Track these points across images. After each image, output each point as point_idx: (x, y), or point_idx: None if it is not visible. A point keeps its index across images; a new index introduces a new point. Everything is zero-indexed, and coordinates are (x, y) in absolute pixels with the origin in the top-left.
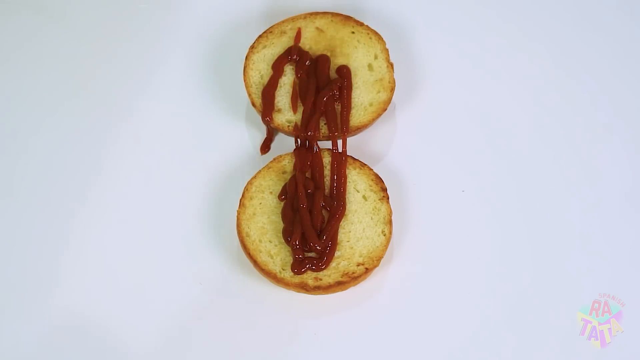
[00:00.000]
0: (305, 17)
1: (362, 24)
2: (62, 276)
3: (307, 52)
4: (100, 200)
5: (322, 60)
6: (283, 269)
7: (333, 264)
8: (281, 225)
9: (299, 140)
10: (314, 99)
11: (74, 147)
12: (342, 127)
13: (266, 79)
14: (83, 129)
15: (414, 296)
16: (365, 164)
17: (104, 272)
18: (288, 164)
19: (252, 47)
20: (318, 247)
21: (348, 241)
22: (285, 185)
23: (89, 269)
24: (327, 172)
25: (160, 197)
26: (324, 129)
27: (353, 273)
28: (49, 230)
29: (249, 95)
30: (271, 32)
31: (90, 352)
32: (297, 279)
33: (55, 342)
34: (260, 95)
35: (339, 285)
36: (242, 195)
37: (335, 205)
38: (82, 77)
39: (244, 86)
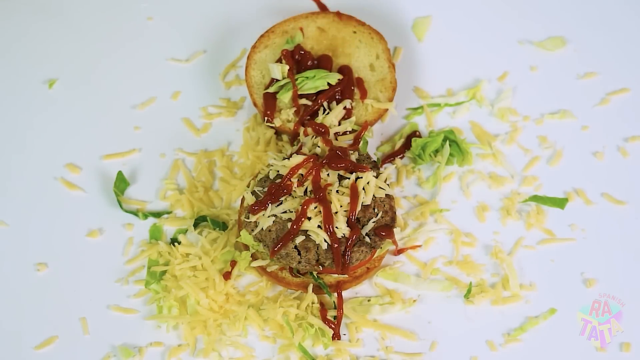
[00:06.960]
0: (307, 17)
1: (363, 24)
2: None
3: (309, 52)
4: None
5: (324, 61)
6: (284, 268)
7: None
8: None
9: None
10: (315, 99)
11: (72, 146)
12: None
13: (268, 79)
14: (82, 128)
15: (413, 295)
16: None
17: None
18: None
19: (253, 46)
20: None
21: None
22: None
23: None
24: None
25: (159, 196)
26: None
27: (354, 273)
28: None
29: (251, 95)
30: (273, 31)
31: None
32: (298, 278)
33: None
34: (262, 95)
35: (340, 285)
36: (243, 195)
37: None
38: (82, 77)
39: (246, 86)
